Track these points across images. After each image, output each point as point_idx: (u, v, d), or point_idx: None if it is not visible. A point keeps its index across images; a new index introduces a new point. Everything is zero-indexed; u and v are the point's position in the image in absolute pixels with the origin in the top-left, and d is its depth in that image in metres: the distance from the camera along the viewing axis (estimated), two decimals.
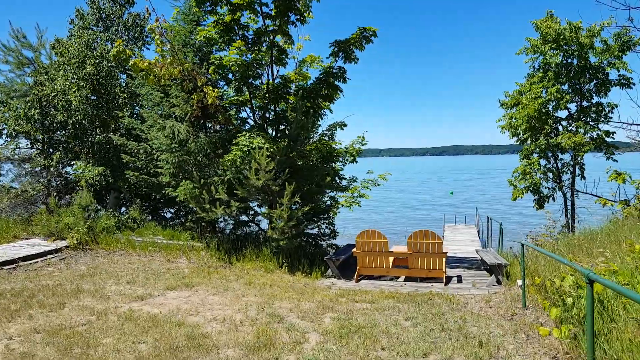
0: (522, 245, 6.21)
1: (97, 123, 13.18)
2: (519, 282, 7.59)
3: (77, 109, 12.35)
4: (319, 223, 13.24)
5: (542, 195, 13.64)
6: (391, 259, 9.65)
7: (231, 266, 10.08)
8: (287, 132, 10.93)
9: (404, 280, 9.24)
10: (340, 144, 13.44)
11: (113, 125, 13.01)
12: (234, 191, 9.98)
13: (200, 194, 10.28)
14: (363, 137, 13.70)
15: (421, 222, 29.82)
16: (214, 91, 10.27)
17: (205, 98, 10.20)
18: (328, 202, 13.22)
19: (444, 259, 9.09)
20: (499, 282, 8.66)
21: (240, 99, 10.74)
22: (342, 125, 14.09)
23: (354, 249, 9.50)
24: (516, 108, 13.75)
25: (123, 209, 14.39)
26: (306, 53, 11.57)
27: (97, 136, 13.06)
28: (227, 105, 10.84)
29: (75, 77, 12.08)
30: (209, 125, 11.45)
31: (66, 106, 12.48)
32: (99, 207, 14.09)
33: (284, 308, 6.80)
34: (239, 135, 10.10)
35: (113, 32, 13.86)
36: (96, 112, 12.69)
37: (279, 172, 10.02)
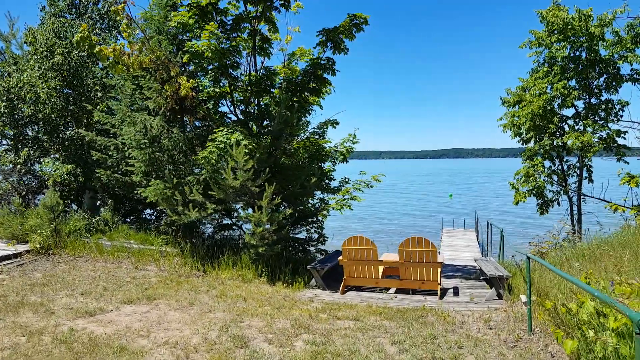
0: (528, 258, 5.30)
1: (68, 118, 12.26)
2: (523, 297, 6.70)
3: (46, 102, 11.44)
4: (307, 227, 12.40)
5: (545, 199, 12.77)
6: (381, 268, 8.75)
7: (205, 275, 9.17)
8: (270, 128, 10.03)
9: (395, 293, 8.35)
10: (330, 142, 12.58)
11: (85, 120, 12.10)
12: (210, 192, 9.08)
13: (172, 195, 9.38)
14: (354, 135, 12.84)
15: (418, 228, 28.89)
16: (188, 82, 9.38)
17: (180, 90, 9.31)
18: (318, 205, 12.38)
19: (439, 270, 8.20)
20: (499, 296, 7.78)
21: (219, 91, 9.82)
22: (334, 123, 13.25)
23: (340, 257, 8.60)
24: (519, 106, 12.90)
25: (102, 210, 13.46)
26: (296, 46, 10.65)
27: (69, 132, 12.15)
28: (204, 98, 9.93)
29: (43, 68, 11.18)
30: (187, 120, 10.54)
31: (34, 99, 11.57)
32: (73, 208, 13.20)
33: (253, 327, 5.90)
34: (216, 130, 9.22)
35: (87, 19, 12.95)
36: (67, 106, 11.78)
37: (259, 171, 9.13)
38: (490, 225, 12.50)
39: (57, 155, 12.38)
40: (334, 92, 13.48)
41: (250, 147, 8.82)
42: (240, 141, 8.76)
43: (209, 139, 9.17)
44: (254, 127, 10.59)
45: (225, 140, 8.91)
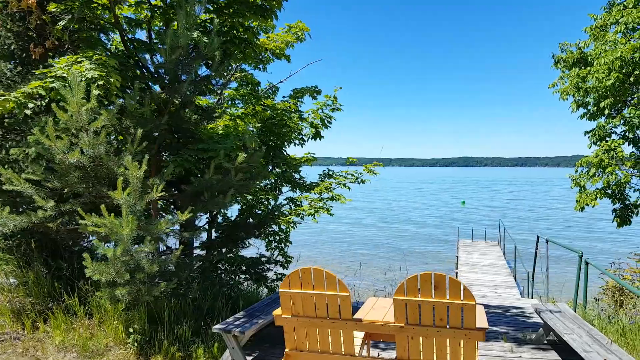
0: None
1: None
2: None
3: None
4: (268, 240, 8.33)
5: (627, 203, 8.47)
6: (359, 335, 4.41)
7: (22, 336, 4.87)
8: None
9: None
10: (295, 106, 8.40)
11: None
12: (28, 176, 4.79)
13: None
14: (335, 97, 8.63)
15: (426, 241, 24.44)
16: None
17: None
18: (286, 206, 8.39)
19: (475, 344, 3.83)
20: None
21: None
22: (315, 91, 9.16)
23: (277, 311, 4.28)
24: (582, 64, 8.62)
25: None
26: None
27: None
28: (58, 12, 5.66)
29: None
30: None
31: None
32: None
33: None
34: (56, 61, 4.97)
35: None
36: None
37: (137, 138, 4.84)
38: (547, 242, 7.86)
39: None
40: (310, 40, 9.29)
41: (106, 85, 4.55)
42: (86, 75, 4.50)
43: (36, 73, 4.92)
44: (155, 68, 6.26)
45: (66, 74, 4.65)
